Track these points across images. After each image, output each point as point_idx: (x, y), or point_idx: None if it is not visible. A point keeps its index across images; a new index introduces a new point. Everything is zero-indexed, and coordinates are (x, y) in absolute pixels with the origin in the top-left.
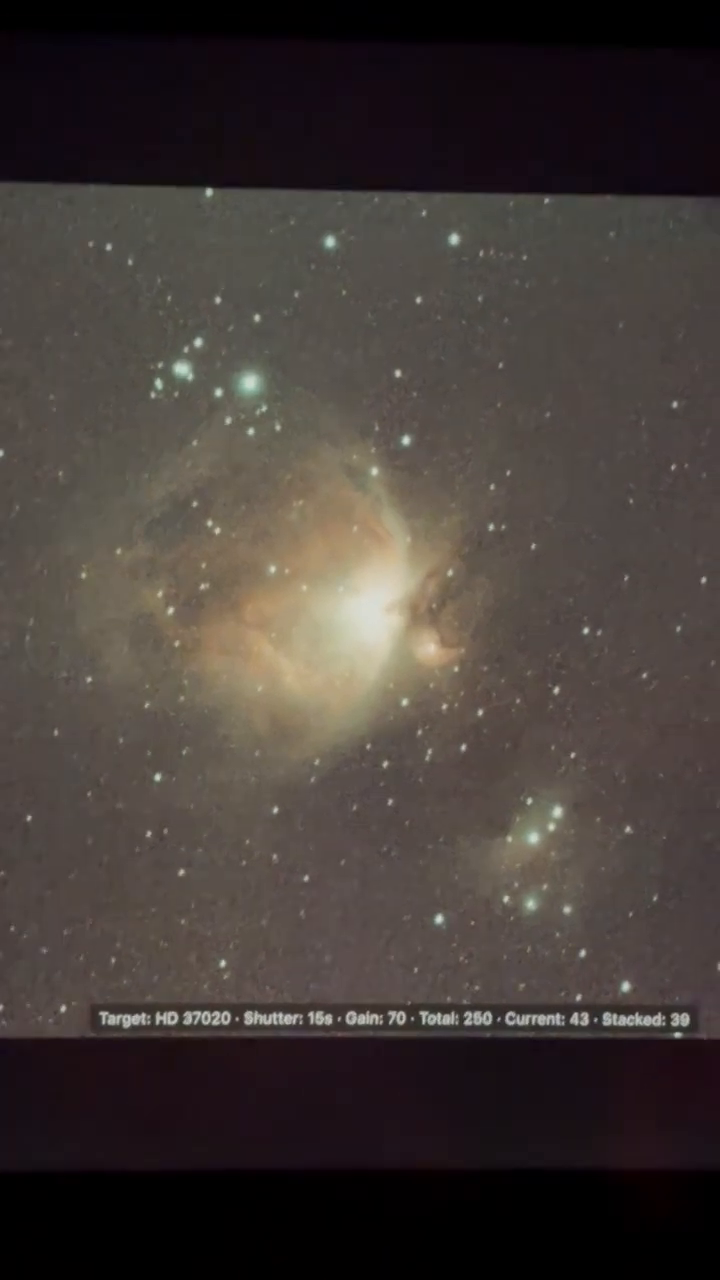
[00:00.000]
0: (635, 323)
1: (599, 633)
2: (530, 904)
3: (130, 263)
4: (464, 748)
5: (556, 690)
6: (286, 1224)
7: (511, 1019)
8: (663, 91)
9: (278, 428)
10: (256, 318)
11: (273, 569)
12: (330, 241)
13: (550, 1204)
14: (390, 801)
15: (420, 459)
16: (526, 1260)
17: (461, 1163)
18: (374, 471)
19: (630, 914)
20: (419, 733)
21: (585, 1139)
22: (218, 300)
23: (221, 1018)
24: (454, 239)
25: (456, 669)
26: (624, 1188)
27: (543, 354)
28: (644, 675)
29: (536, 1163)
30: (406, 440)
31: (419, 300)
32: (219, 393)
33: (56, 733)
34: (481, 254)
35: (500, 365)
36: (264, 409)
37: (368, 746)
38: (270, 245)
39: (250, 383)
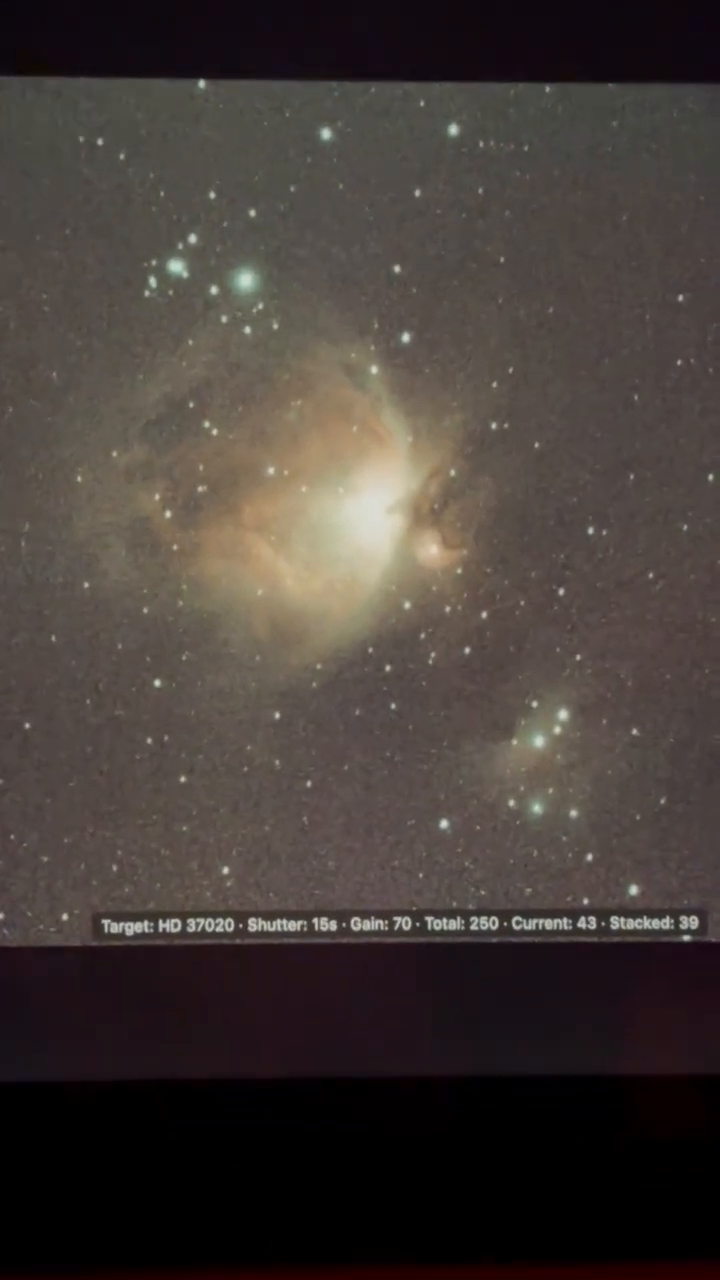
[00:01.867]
0: (639, 215)
1: (604, 532)
2: (536, 808)
3: (122, 157)
4: (468, 650)
5: (561, 592)
6: (292, 1132)
7: (518, 924)
8: None
9: (275, 326)
10: (252, 213)
11: (271, 470)
12: (326, 134)
13: (559, 1110)
14: (393, 706)
15: (420, 356)
16: (535, 1167)
17: (468, 1070)
18: (373, 370)
19: (637, 817)
20: (422, 636)
21: (594, 1044)
22: (212, 195)
23: (225, 925)
24: (453, 130)
25: (459, 571)
26: (633, 1093)
27: (544, 248)
28: (650, 575)
29: (545, 1068)
30: (406, 337)
31: (418, 193)
32: (214, 290)
33: (54, 639)
34: (481, 145)
35: (501, 259)
36: (260, 307)
37: (370, 650)
38: (265, 138)
39: (246, 280)
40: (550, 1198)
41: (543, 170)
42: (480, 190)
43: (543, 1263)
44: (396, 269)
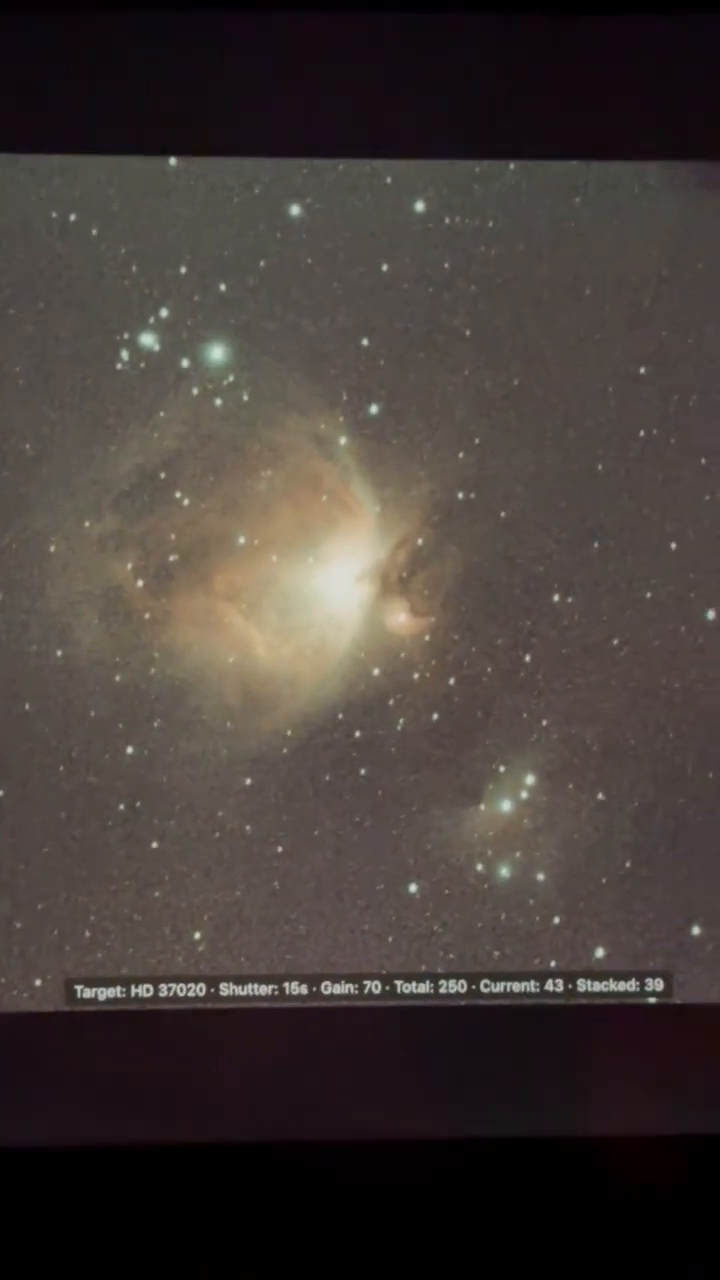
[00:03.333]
0: (602, 288)
1: (569, 600)
2: (504, 872)
3: (94, 233)
4: (436, 716)
5: (527, 658)
6: (262, 1196)
7: (486, 986)
8: (627, 57)
9: (245, 398)
10: (222, 287)
11: (242, 540)
12: (295, 209)
13: (527, 1172)
14: (363, 771)
15: (388, 428)
16: (504, 1229)
17: (438, 1132)
18: (342, 441)
19: (603, 880)
20: (390, 702)
21: (561, 1106)
22: (183, 270)
23: (197, 989)
24: (419, 206)
25: (427, 638)
26: (600, 1154)
27: (509, 321)
28: (615, 642)
29: (513, 1130)
30: (374, 409)
31: (385, 268)
32: (185, 363)
33: (27, 706)
34: (447, 220)
35: (467, 332)
36: (231, 379)
37: (339, 716)
38: (235, 214)
39: (217, 353)
40: (519, 1259)
41: (507, 245)
42: (446, 264)
43: None
44: (365, 342)
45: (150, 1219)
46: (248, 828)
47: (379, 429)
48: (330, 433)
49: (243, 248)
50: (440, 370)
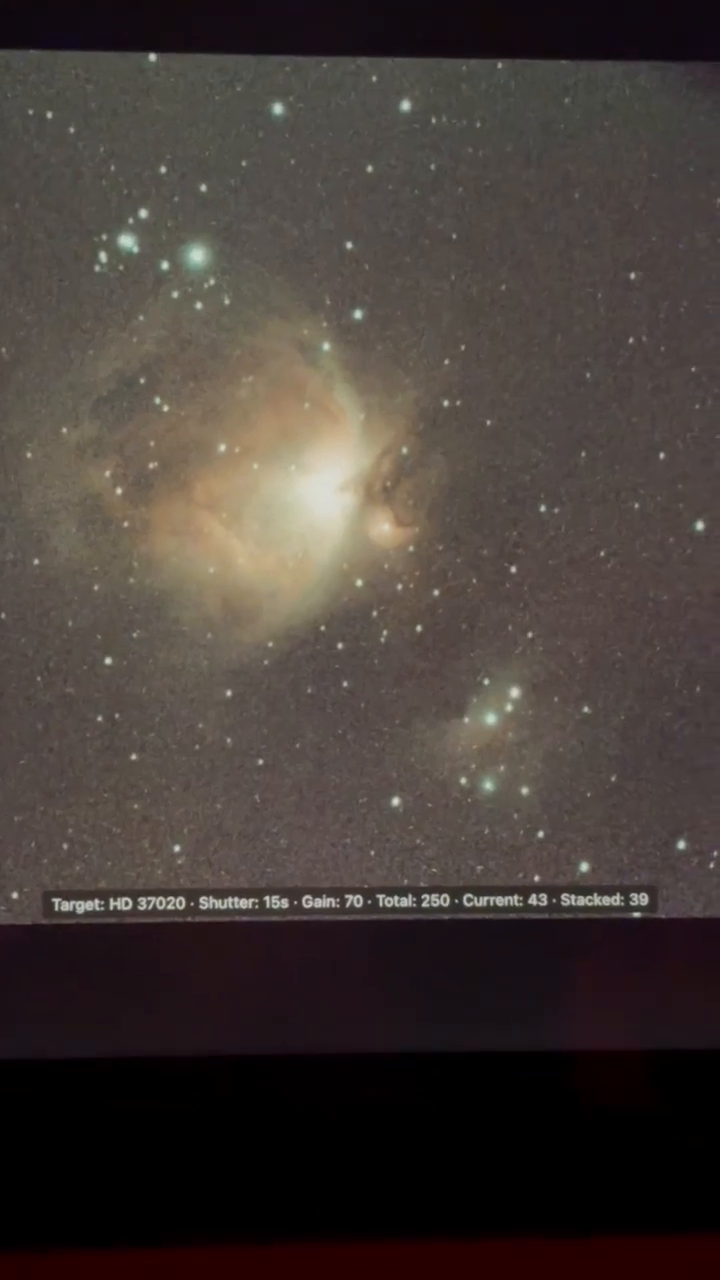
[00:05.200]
0: (591, 192)
1: (556, 510)
2: (487, 785)
3: (72, 131)
4: (420, 629)
5: (513, 569)
6: (243, 1109)
7: (469, 900)
8: None
9: (226, 301)
10: (203, 188)
11: (223, 447)
12: (278, 108)
13: (509, 1085)
14: (345, 684)
15: (373, 333)
16: (485, 1142)
17: (419, 1046)
18: (325, 346)
19: (588, 794)
20: (374, 614)
21: (544, 1020)
22: (163, 170)
23: (176, 903)
24: (405, 105)
25: (411, 549)
26: (582, 1068)
27: (497, 225)
28: (602, 553)
29: (494, 1045)
30: (359, 314)
31: (370, 169)
32: (165, 265)
33: (3, 616)
34: (434, 121)
35: (454, 236)
36: (212, 282)
37: (322, 628)
38: (216, 113)
39: (197, 255)
40: (502, 1172)
41: (495, 146)
42: (432, 166)
43: (493, 1235)
44: (349, 245)
45: (127, 1132)
46: (228, 740)
47: (363, 335)
48: (313, 338)
49: (224, 147)
50: (426, 275)
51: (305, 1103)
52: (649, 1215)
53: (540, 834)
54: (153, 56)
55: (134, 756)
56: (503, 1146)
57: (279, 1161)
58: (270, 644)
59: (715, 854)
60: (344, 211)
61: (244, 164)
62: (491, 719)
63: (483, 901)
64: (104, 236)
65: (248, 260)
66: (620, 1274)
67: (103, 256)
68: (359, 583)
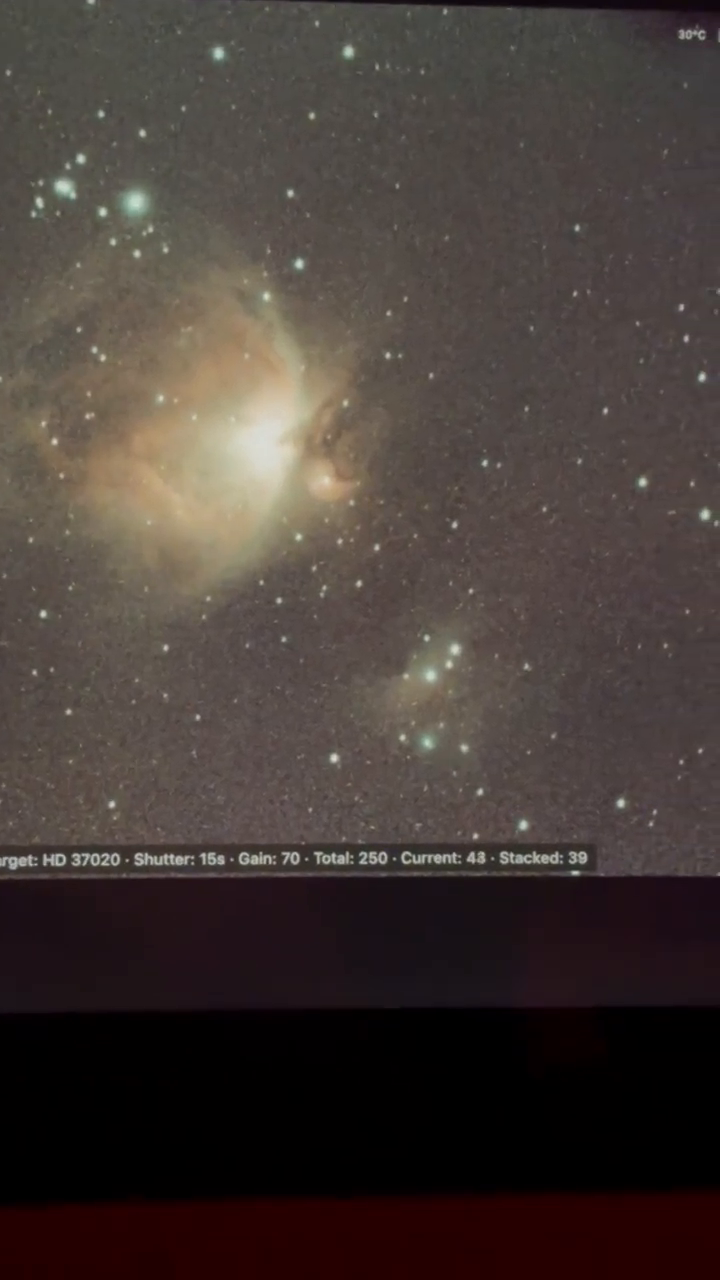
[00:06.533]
0: (537, 142)
1: (498, 465)
2: (427, 742)
3: (7, 74)
4: (359, 584)
5: (454, 525)
6: (179, 1067)
7: (407, 858)
8: None
9: (165, 249)
10: (142, 133)
11: (161, 398)
12: (219, 53)
13: (447, 1043)
14: (284, 639)
15: (314, 283)
16: (425, 1100)
17: (357, 1003)
18: (266, 296)
19: (528, 752)
20: (313, 568)
21: (482, 978)
22: (101, 114)
23: (111, 859)
24: (349, 51)
25: (352, 503)
26: (520, 1026)
27: (440, 174)
28: (544, 509)
29: (432, 1002)
30: (300, 264)
31: (312, 116)
32: (103, 212)
33: None
34: (377, 68)
35: (397, 185)
36: (150, 230)
37: (261, 583)
38: (155, 56)
39: (136, 202)
40: (441, 1130)
41: (439, 94)
42: (375, 114)
43: (437, 1195)
44: (290, 193)
45: (59, 1090)
46: (165, 695)
47: (304, 284)
48: (253, 288)
49: (163, 92)
50: (368, 224)
51: (242, 1059)
52: (588, 1172)
53: (479, 792)
54: None
55: (69, 711)
56: (442, 1105)
57: (212, 1118)
58: (208, 598)
59: (654, 812)
60: (285, 159)
61: (184, 109)
62: (431, 675)
63: (421, 859)
64: (40, 182)
65: (187, 207)
66: (563, 1232)
67: (39, 202)
68: (298, 537)
